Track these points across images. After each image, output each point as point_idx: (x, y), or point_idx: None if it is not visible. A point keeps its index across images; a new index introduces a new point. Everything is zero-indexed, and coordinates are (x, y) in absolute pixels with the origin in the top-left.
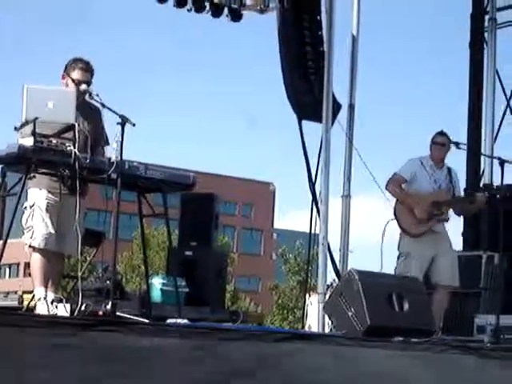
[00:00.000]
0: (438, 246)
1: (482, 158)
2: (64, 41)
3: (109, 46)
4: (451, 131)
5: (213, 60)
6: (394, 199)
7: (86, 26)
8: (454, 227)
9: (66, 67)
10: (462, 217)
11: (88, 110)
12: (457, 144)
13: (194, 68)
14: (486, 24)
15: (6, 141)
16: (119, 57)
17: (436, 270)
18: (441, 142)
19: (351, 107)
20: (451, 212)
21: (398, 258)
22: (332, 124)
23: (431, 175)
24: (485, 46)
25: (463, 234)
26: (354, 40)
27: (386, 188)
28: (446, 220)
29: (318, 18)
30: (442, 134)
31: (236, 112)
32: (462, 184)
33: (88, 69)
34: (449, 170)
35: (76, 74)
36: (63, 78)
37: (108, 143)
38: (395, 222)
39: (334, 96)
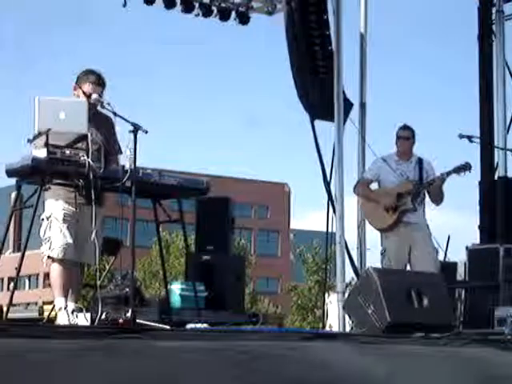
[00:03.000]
0: (413, 238)
1: (496, 150)
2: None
3: (109, 48)
4: (464, 125)
5: (220, 60)
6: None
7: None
8: (472, 220)
9: (77, 78)
10: (479, 209)
11: (100, 120)
12: (469, 138)
13: (202, 73)
14: (494, 16)
15: (20, 153)
16: (119, 59)
17: (412, 262)
18: (404, 136)
19: (362, 105)
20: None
21: (381, 255)
22: (344, 123)
23: (396, 169)
24: (493, 38)
25: (480, 227)
26: (363, 38)
27: (354, 192)
28: (411, 210)
29: (325, 17)
30: (405, 127)
31: (247, 114)
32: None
33: (99, 82)
34: (419, 160)
35: (87, 88)
36: (75, 89)
37: (121, 152)
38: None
39: (344, 95)
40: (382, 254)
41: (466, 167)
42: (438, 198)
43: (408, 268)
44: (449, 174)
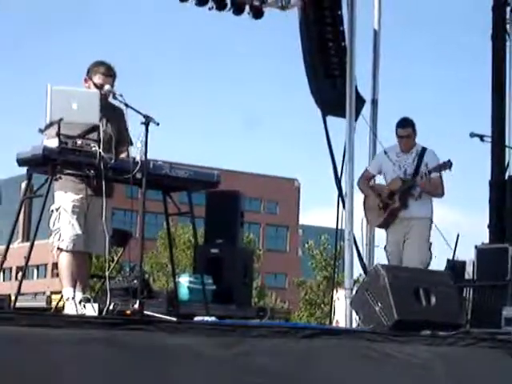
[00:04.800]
0: (406, 234)
1: (507, 150)
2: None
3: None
4: (476, 123)
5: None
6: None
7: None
8: (481, 220)
9: (88, 70)
10: (489, 208)
11: (111, 112)
12: (481, 137)
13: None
14: (508, 16)
15: (31, 143)
16: (119, 56)
17: (404, 256)
18: (401, 135)
19: (374, 102)
20: None
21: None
22: (356, 119)
23: (395, 162)
24: (507, 37)
25: (489, 227)
26: (376, 35)
27: (357, 185)
28: (400, 207)
29: (339, 13)
30: (403, 125)
31: (260, 109)
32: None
33: (109, 73)
34: (422, 151)
35: (98, 79)
36: (86, 81)
37: (132, 143)
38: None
39: (357, 91)
40: (384, 250)
41: (446, 165)
42: (432, 194)
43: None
44: (430, 172)
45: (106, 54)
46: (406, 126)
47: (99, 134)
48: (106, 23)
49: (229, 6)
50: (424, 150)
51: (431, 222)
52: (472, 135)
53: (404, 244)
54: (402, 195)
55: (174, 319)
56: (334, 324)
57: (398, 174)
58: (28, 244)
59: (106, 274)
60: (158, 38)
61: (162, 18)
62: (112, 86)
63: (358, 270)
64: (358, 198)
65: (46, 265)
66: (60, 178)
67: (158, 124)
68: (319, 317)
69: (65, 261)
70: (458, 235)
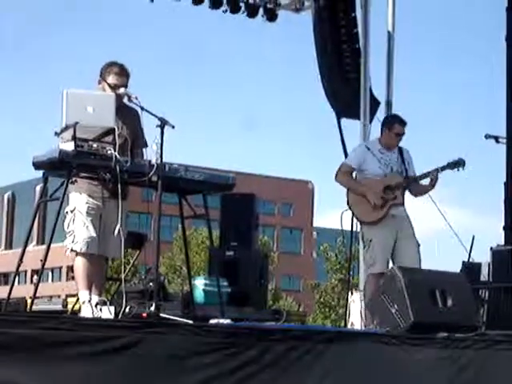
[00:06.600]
0: (399, 231)
1: None
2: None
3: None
4: (490, 126)
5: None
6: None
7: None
8: (497, 221)
9: (101, 72)
10: (504, 209)
11: (126, 114)
12: (496, 138)
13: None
14: None
15: (47, 146)
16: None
17: (398, 257)
18: (401, 133)
19: (388, 104)
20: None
21: (364, 247)
22: (371, 121)
23: (380, 159)
24: None
25: (504, 229)
26: (390, 37)
27: (335, 179)
28: (401, 203)
29: (353, 15)
30: (403, 123)
31: (274, 111)
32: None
33: (123, 73)
34: (400, 150)
35: (111, 79)
36: (99, 83)
37: (147, 145)
38: (350, 212)
39: (371, 93)
40: (365, 246)
41: (459, 163)
42: (424, 193)
43: (390, 261)
44: (443, 169)
45: (104, 59)
46: (405, 124)
47: (115, 137)
48: (104, 27)
49: (243, 8)
50: (400, 149)
51: None
52: (487, 136)
53: (398, 243)
54: (403, 191)
55: (190, 322)
56: (349, 326)
57: (385, 171)
58: (43, 247)
59: (122, 276)
60: (158, 42)
61: (162, 21)
62: (126, 85)
63: None
64: None
65: (60, 268)
66: (76, 181)
67: (173, 127)
68: (334, 319)
69: (80, 264)
70: (474, 237)
